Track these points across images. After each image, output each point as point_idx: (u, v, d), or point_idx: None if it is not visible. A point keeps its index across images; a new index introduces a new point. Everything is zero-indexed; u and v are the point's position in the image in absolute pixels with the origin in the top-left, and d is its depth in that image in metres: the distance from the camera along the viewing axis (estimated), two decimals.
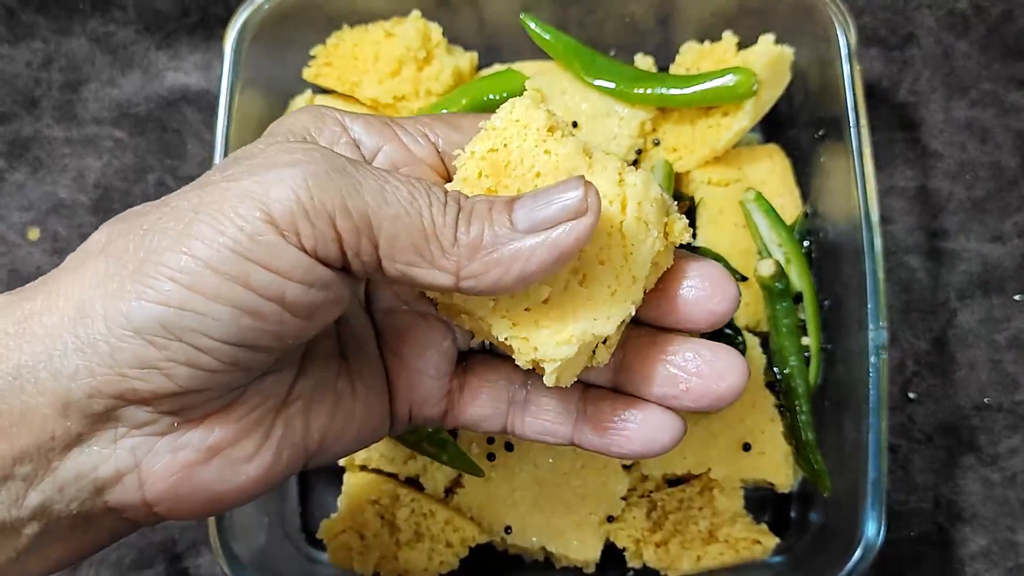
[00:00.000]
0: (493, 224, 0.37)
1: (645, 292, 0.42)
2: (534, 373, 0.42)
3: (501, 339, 0.40)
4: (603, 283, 0.40)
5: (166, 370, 0.34)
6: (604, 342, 0.42)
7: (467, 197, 0.38)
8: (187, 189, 0.36)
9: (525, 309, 0.40)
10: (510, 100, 0.41)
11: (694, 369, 0.42)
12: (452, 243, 0.36)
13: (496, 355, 0.47)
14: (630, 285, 0.40)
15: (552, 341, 0.39)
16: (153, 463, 0.36)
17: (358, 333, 0.44)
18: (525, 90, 0.42)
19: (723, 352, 0.42)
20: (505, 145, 0.40)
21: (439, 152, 0.43)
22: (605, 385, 0.45)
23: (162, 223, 0.35)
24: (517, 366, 0.41)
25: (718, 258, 0.65)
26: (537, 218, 0.36)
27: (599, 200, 0.37)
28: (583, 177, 0.37)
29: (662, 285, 0.43)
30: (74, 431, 0.35)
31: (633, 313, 0.40)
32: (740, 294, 0.43)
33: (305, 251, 0.35)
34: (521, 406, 0.45)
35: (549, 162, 0.40)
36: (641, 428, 0.43)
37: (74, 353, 0.34)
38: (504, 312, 0.40)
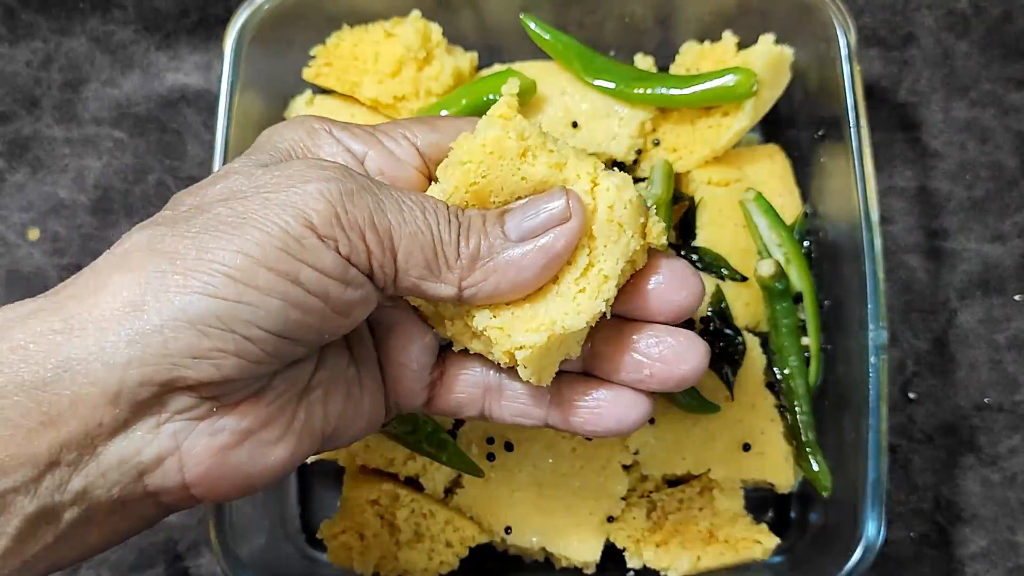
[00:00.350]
0: (488, 235, 0.41)
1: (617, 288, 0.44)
2: None
3: (480, 328, 0.43)
4: (570, 280, 0.43)
5: (216, 360, 0.37)
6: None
7: (463, 211, 0.42)
8: (222, 198, 0.39)
9: (505, 303, 0.43)
10: (480, 124, 0.44)
11: (656, 355, 0.45)
12: (456, 258, 0.41)
13: None
14: (601, 283, 0.43)
15: (523, 328, 0.42)
16: (193, 446, 0.38)
17: (359, 328, 0.46)
18: (500, 96, 0.45)
19: (683, 336, 0.45)
20: (484, 176, 0.43)
21: (420, 153, 0.46)
22: (576, 371, 0.48)
23: (211, 226, 0.37)
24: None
25: (718, 258, 0.65)
26: (526, 227, 0.41)
27: (582, 204, 0.42)
28: (564, 187, 0.42)
29: (632, 280, 0.46)
30: (121, 418, 0.36)
31: (605, 310, 0.43)
32: (704, 288, 0.46)
33: (341, 255, 0.38)
34: (497, 392, 0.48)
35: (527, 187, 0.43)
36: (611, 408, 0.46)
37: (126, 345, 0.36)
38: (485, 305, 0.43)
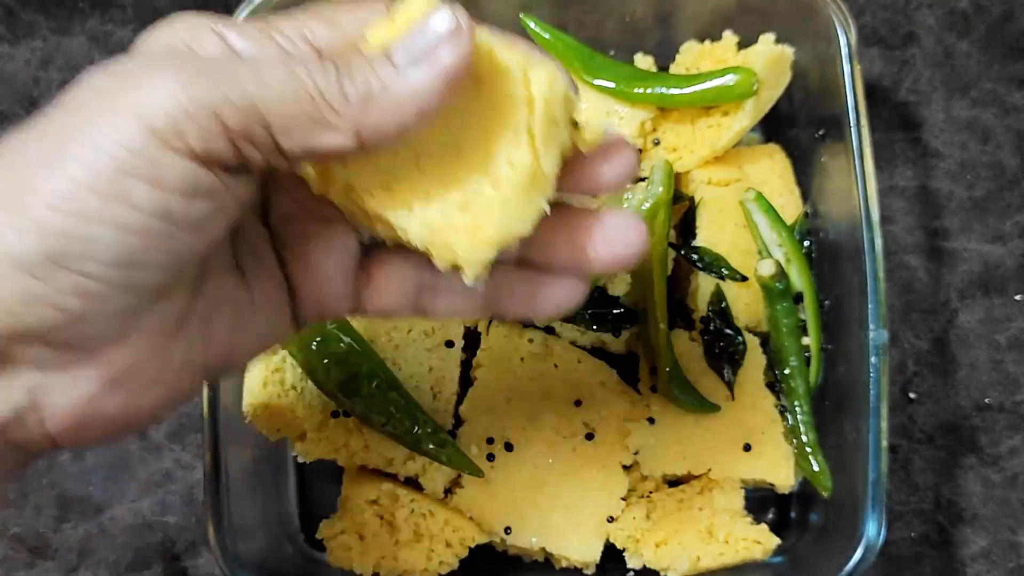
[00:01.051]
0: (376, 72, 0.36)
1: None
2: None
3: (417, 244, 0.40)
4: (516, 184, 0.39)
5: (56, 302, 0.33)
6: None
7: (344, 59, 0.37)
8: (53, 110, 0.35)
9: (439, 210, 0.39)
10: (398, 4, 0.39)
11: (600, 239, 0.43)
12: (342, 101, 0.35)
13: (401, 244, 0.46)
14: (543, 183, 0.40)
15: (471, 246, 0.39)
16: (53, 400, 0.36)
17: (253, 244, 0.43)
18: None
19: (623, 216, 0.43)
20: None
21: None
22: (510, 260, 0.46)
23: (33, 150, 0.34)
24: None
25: (718, 258, 0.65)
26: (416, 50, 0.36)
27: (467, 14, 0.37)
28: (441, 1, 0.37)
29: (565, 162, 0.42)
30: None
31: (547, 208, 0.40)
32: (639, 156, 0.43)
33: (189, 156, 0.34)
34: (431, 290, 0.45)
35: None
36: (549, 293, 0.45)
37: None
38: (420, 219, 0.40)
